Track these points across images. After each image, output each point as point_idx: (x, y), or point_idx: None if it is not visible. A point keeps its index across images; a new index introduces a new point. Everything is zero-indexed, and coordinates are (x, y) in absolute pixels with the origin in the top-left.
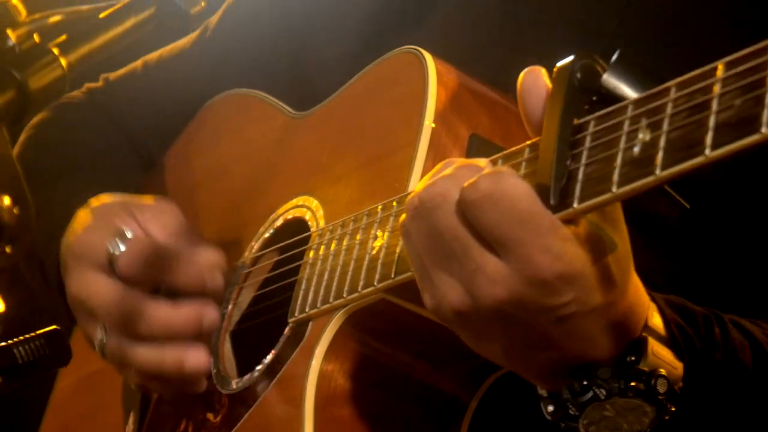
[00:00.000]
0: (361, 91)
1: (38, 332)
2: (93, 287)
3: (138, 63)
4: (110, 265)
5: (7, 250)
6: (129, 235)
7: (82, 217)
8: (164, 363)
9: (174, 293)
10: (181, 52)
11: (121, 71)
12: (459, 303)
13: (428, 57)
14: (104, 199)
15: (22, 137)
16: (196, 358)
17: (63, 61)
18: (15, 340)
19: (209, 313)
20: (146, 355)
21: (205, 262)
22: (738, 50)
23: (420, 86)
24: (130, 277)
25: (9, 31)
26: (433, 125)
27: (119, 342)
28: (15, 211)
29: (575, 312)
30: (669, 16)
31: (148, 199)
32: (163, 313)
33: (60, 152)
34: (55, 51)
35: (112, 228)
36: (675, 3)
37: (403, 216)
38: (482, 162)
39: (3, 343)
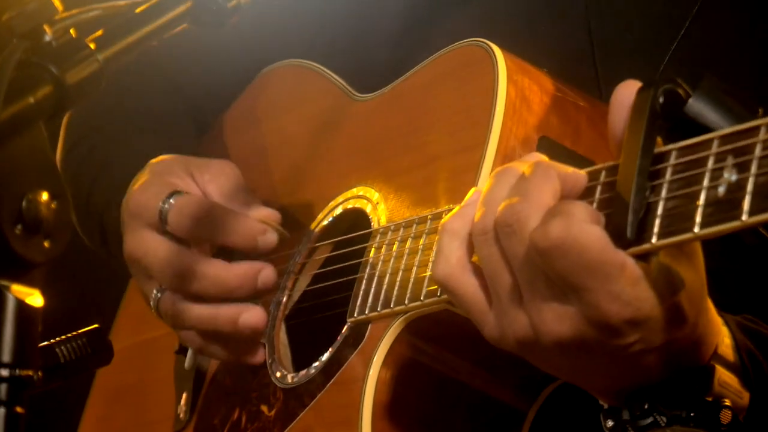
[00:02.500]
0: (427, 81)
1: (80, 331)
2: (147, 245)
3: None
4: (163, 223)
5: (46, 245)
6: (181, 192)
7: (141, 177)
8: (218, 319)
9: (230, 255)
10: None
11: (175, 29)
12: (523, 335)
13: (498, 52)
14: (163, 158)
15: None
16: (250, 315)
17: (100, 56)
18: (57, 339)
19: (265, 272)
20: (200, 311)
21: (256, 221)
22: None
23: (489, 84)
24: (179, 233)
25: (46, 27)
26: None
27: (174, 300)
28: (53, 206)
29: (641, 350)
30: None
31: (208, 160)
32: (216, 270)
33: (118, 108)
34: (92, 46)
35: (167, 186)
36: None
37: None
38: (579, 173)
39: (45, 342)
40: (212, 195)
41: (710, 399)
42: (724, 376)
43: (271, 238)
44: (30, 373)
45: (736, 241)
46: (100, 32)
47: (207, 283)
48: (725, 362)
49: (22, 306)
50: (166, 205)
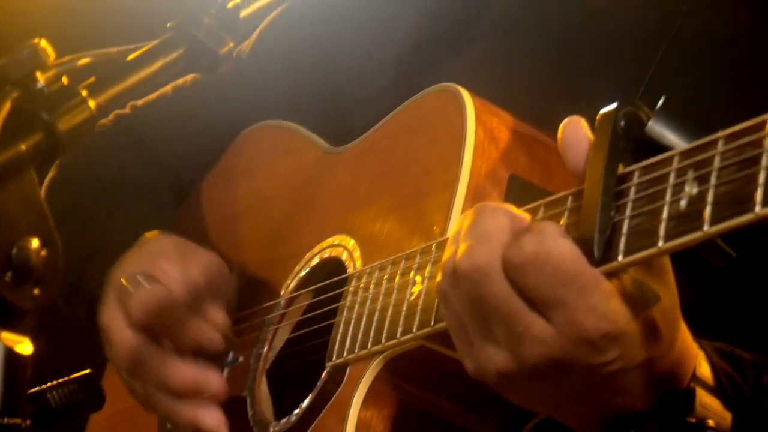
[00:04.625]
0: (398, 128)
1: (72, 377)
2: (112, 321)
3: (168, 88)
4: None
5: (36, 292)
6: (149, 279)
7: (134, 250)
8: (179, 418)
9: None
10: (212, 79)
11: (151, 96)
12: (504, 366)
13: (466, 95)
14: (158, 235)
15: (55, 166)
16: (208, 419)
17: (91, 103)
18: (48, 384)
19: (212, 380)
20: (163, 403)
21: (208, 324)
22: None
23: (458, 126)
24: (136, 323)
25: (38, 74)
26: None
27: (142, 384)
28: (43, 253)
29: (621, 368)
30: (713, 57)
31: (197, 247)
32: (167, 372)
33: (96, 179)
34: (84, 93)
35: (147, 264)
36: (717, 48)
37: (439, 277)
38: (524, 216)
39: (36, 388)
40: (186, 281)
41: (693, 420)
42: (705, 398)
43: (216, 341)
44: (18, 421)
45: (707, 268)
46: (92, 79)
47: (159, 381)
48: (705, 385)
49: (11, 354)
50: (130, 289)
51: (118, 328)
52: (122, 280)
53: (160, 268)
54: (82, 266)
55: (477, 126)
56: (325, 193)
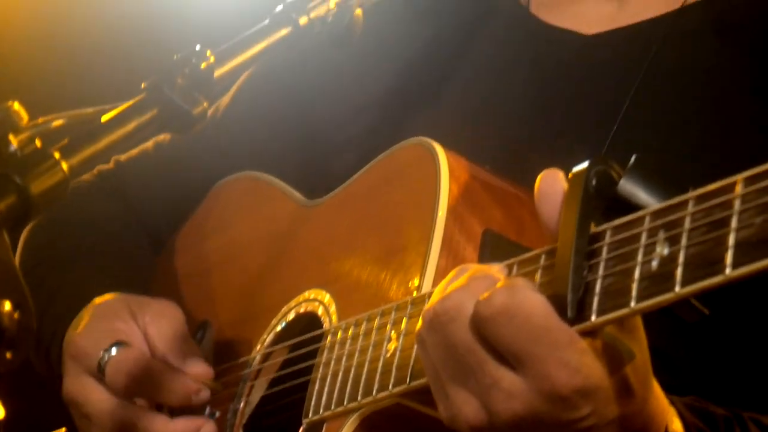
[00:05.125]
0: (372, 183)
1: None
2: (88, 394)
3: (149, 143)
4: (101, 374)
5: (8, 355)
6: (122, 344)
7: (83, 317)
8: None
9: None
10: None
11: (133, 152)
12: (474, 417)
13: (440, 150)
14: (106, 298)
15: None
16: None
17: (64, 166)
18: None
19: (205, 429)
20: None
21: (191, 380)
22: (749, 155)
23: (432, 182)
24: (116, 390)
25: (11, 137)
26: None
27: None
28: (15, 315)
29: (593, 425)
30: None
31: (149, 301)
32: (156, 427)
33: (72, 235)
34: (57, 155)
35: (108, 334)
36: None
37: (419, 324)
38: (497, 271)
39: None
40: (152, 337)
41: None
42: None
43: (204, 395)
44: None
45: (678, 321)
46: (65, 141)
47: None
48: None
49: None
50: (106, 357)
51: (95, 398)
52: (87, 349)
53: (121, 331)
54: (40, 316)
55: (451, 182)
56: (301, 246)
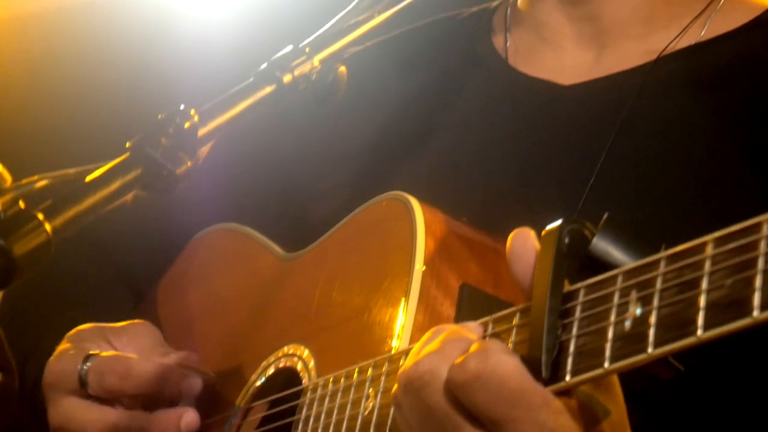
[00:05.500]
0: (349, 237)
1: None
2: (71, 412)
3: (128, 196)
4: (84, 387)
5: None
6: (97, 354)
7: (58, 349)
8: None
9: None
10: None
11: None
12: None
13: (416, 205)
14: (79, 328)
15: None
16: None
17: (48, 227)
18: None
19: (187, 415)
20: None
21: (177, 367)
22: (723, 210)
23: (408, 237)
24: (101, 392)
25: None
26: (424, 268)
27: None
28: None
29: None
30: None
31: (123, 325)
32: (140, 423)
33: (52, 286)
34: (40, 216)
35: (82, 351)
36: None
37: (395, 387)
38: (471, 332)
39: None
40: (133, 352)
41: None
42: None
43: (195, 382)
44: None
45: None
46: (49, 202)
47: None
48: None
49: None
50: (84, 367)
51: (77, 407)
52: (64, 369)
53: (99, 347)
54: (20, 371)
55: (427, 236)
56: (280, 301)
